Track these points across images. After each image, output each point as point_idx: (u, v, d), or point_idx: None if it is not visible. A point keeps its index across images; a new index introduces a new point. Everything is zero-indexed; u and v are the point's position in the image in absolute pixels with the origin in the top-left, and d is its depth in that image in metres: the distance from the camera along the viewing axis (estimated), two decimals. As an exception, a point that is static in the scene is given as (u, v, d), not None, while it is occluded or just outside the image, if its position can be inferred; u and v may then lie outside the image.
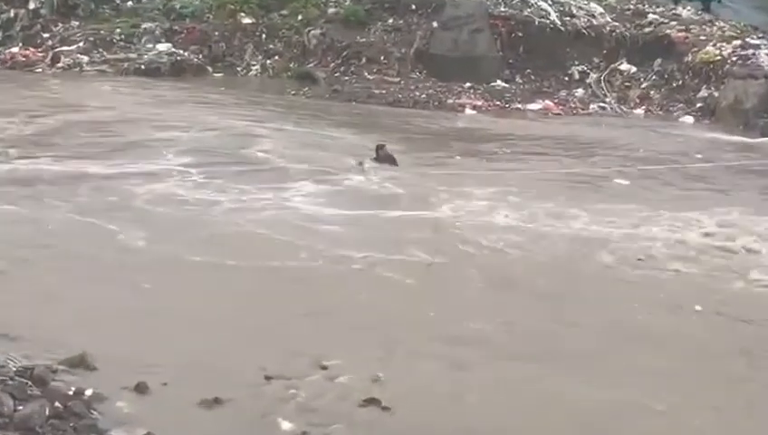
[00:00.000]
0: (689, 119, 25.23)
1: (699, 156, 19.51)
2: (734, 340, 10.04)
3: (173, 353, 8.88)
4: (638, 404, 8.42)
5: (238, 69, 29.08)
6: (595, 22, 28.87)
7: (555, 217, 14.07)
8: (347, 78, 28.19)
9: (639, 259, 12.31)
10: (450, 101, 26.27)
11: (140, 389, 8.16)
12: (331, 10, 29.77)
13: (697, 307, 10.79)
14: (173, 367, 8.58)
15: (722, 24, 28.43)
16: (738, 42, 26.81)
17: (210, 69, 28.68)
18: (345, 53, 29.01)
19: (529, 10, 28.88)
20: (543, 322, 10.30)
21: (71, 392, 7.98)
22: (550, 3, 29.02)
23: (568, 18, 28.83)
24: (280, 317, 9.98)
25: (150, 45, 29.22)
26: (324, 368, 8.77)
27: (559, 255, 12.49)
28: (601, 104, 26.59)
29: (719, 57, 26.52)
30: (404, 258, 11.95)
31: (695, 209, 14.58)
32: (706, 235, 13.45)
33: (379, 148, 17.71)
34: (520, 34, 28.87)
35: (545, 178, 16.79)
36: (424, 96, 26.56)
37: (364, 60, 28.98)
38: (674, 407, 8.43)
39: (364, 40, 29.49)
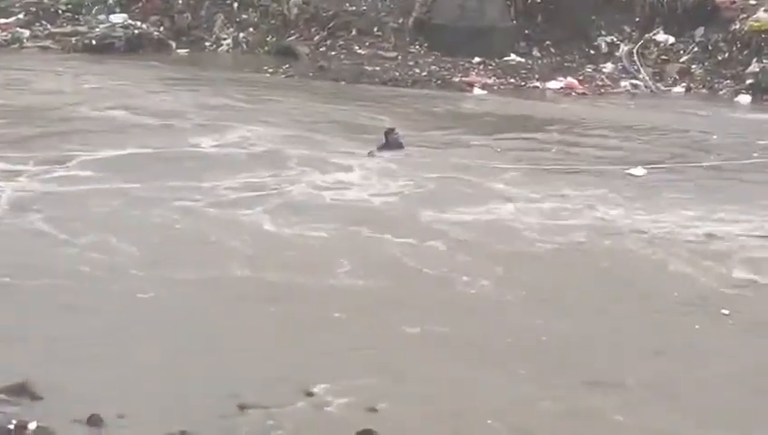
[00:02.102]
0: (746, 98, 25.17)
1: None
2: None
3: (130, 380, 8.87)
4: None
5: (207, 43, 29.07)
6: (626, -16, 28.94)
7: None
8: (334, 53, 28.18)
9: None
10: (456, 78, 26.27)
11: (94, 422, 8.15)
12: (314, -27, 29.83)
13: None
14: (131, 396, 8.56)
15: (776, -16, 28.51)
16: (796, 6, 26.91)
17: (173, 44, 28.65)
18: (332, 24, 28.99)
19: (548, -29, 28.93)
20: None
21: (11, 426, 7.96)
22: (572, -38, 29.03)
23: (594, -20, 28.89)
24: (248, 337, 9.99)
25: (103, 17, 29.22)
26: (310, 395, 8.76)
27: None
28: (634, 81, 26.59)
29: (773, 25, 26.61)
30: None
31: None
32: None
33: (388, 132, 18.13)
34: (538, 0, 28.92)
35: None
36: (425, 73, 26.55)
37: (354, 32, 28.96)
38: None
39: (354, 8, 29.48)
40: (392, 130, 18.22)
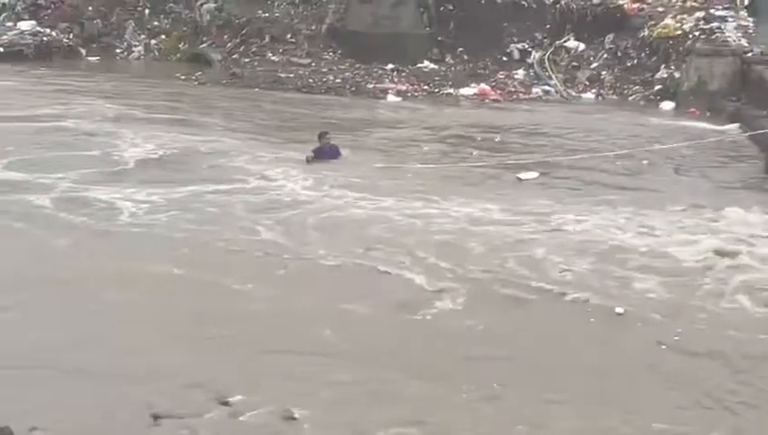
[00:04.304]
0: (670, 104, 25.37)
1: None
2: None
3: (39, 390, 8.71)
4: None
5: (118, 51, 28.80)
6: (537, -8, 29.23)
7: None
8: (247, 60, 28.08)
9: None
10: (370, 85, 26.34)
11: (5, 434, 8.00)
12: (226, -21, 29.70)
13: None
14: (41, 407, 8.40)
15: (682, -8, 28.98)
16: (701, 13, 27.34)
17: (83, 51, 28.36)
18: (245, 31, 28.88)
19: (460, -22, 29.11)
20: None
21: None
22: (484, -30, 29.27)
23: (505, -12, 29.14)
24: (163, 340, 9.85)
25: (11, 24, 28.81)
26: (225, 404, 8.68)
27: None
28: (545, 87, 26.87)
29: (679, 32, 27.00)
30: None
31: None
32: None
33: (321, 135, 17.68)
34: (450, 7, 29.09)
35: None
36: (339, 80, 26.57)
37: (267, 38, 28.88)
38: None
39: (267, 15, 29.39)
40: (325, 133, 17.81)
